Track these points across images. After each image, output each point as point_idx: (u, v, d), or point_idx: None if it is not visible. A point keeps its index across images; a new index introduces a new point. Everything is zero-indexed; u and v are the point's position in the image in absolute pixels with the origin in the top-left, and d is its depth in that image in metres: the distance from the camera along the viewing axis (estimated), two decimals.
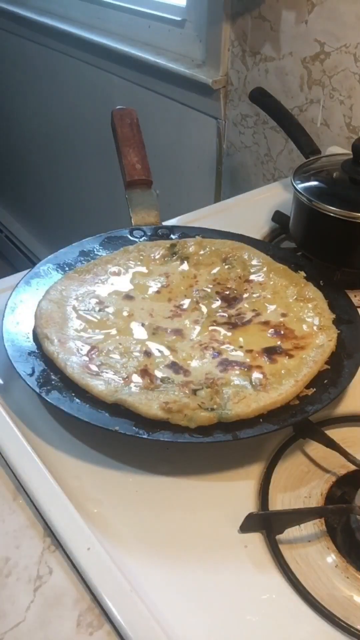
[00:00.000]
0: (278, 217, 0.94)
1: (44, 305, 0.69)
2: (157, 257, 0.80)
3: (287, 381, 0.61)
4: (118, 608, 0.46)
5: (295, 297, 0.74)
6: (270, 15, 1.17)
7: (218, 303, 0.74)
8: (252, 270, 0.78)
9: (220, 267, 0.79)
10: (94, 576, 0.47)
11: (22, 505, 0.55)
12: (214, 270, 0.79)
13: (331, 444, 0.58)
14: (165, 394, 0.59)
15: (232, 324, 0.70)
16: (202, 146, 1.48)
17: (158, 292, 0.75)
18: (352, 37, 1.03)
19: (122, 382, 0.61)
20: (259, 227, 0.94)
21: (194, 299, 0.74)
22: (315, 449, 0.60)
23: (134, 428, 0.56)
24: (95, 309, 0.70)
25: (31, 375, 0.61)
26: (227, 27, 1.27)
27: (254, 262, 0.79)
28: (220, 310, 0.72)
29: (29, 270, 0.75)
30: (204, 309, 0.72)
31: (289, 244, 0.91)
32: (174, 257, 0.80)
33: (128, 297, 0.73)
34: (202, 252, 0.81)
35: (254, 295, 0.75)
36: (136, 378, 0.61)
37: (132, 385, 0.60)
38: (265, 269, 0.78)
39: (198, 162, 1.52)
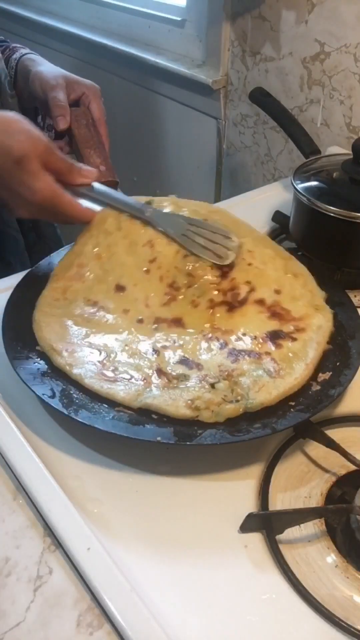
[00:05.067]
0: (278, 217, 0.94)
1: (39, 318, 0.67)
2: (136, 220, 0.76)
3: (298, 365, 0.63)
4: (118, 608, 0.46)
5: (283, 270, 0.73)
6: (270, 15, 1.17)
7: (210, 272, 0.71)
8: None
9: None
10: (94, 576, 0.47)
11: (22, 505, 0.55)
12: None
13: (331, 444, 0.58)
14: (187, 391, 0.60)
15: (229, 304, 0.68)
16: (202, 146, 1.48)
17: (147, 271, 0.72)
18: (352, 37, 1.03)
19: (142, 383, 0.61)
20: (259, 227, 0.93)
21: (186, 272, 0.71)
22: (315, 449, 0.60)
23: (174, 437, 0.56)
24: (91, 311, 0.69)
25: (52, 397, 0.60)
26: (227, 27, 1.27)
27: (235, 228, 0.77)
28: (214, 282, 0.70)
29: (20, 279, 0.74)
30: (198, 284, 0.70)
31: (289, 244, 0.90)
32: None
33: (119, 287, 0.71)
34: (180, 213, 0.77)
35: (246, 264, 0.72)
36: (154, 379, 0.61)
37: (152, 386, 0.60)
38: (247, 237, 0.76)
39: (198, 162, 1.52)
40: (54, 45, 1.82)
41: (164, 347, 0.65)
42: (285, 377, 0.61)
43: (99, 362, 0.63)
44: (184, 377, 0.62)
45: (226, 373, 0.62)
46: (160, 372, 0.62)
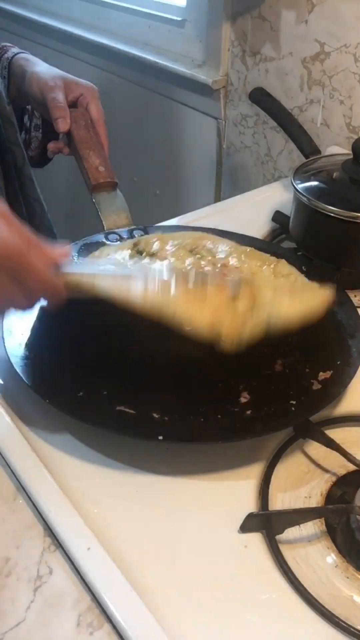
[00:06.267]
0: (278, 217, 0.94)
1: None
2: (126, 258, 0.79)
3: (312, 295, 0.65)
4: (118, 608, 0.46)
5: (273, 275, 0.75)
6: (270, 15, 1.17)
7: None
8: (222, 256, 0.79)
9: (191, 258, 0.79)
10: (94, 576, 0.47)
11: (22, 505, 0.55)
12: (187, 262, 0.79)
13: (331, 444, 0.58)
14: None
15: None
16: (202, 146, 1.48)
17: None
18: (352, 37, 1.03)
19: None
20: (259, 227, 0.94)
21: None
22: (315, 449, 0.60)
23: (175, 436, 0.56)
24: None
25: (57, 398, 0.60)
26: (227, 27, 1.27)
27: (223, 247, 0.80)
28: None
29: None
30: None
31: (289, 244, 0.91)
32: (143, 256, 0.80)
33: None
34: (168, 247, 0.80)
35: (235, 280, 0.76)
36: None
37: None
38: (234, 253, 0.79)
39: (198, 162, 1.52)
40: (54, 45, 1.82)
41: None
42: (303, 299, 0.63)
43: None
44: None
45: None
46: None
